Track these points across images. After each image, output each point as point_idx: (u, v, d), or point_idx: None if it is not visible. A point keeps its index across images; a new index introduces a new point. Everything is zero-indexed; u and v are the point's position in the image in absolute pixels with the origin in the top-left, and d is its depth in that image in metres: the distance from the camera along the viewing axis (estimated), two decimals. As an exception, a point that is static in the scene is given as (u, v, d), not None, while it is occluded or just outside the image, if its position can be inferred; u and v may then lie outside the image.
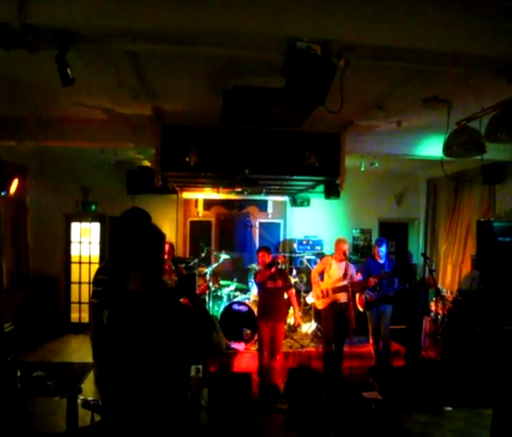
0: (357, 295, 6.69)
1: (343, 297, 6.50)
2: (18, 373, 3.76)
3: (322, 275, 6.74)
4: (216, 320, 3.76)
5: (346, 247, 6.54)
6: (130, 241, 2.31)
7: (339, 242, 6.63)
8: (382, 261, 6.80)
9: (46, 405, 5.00)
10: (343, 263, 6.53)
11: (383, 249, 6.79)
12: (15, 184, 6.36)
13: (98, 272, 3.22)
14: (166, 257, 5.68)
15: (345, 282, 6.42)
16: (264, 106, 4.56)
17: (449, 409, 5.72)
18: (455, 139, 4.37)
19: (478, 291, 6.96)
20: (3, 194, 6.28)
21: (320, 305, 6.61)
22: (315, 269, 6.89)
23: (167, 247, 6.16)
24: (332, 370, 6.44)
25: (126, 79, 4.30)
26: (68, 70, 2.96)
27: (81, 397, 4.11)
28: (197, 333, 2.26)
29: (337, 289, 6.46)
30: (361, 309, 6.79)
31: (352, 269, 6.59)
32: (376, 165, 7.76)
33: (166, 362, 2.20)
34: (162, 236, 2.37)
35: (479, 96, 4.25)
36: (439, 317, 6.83)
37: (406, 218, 10.39)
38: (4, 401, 3.74)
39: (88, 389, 4.43)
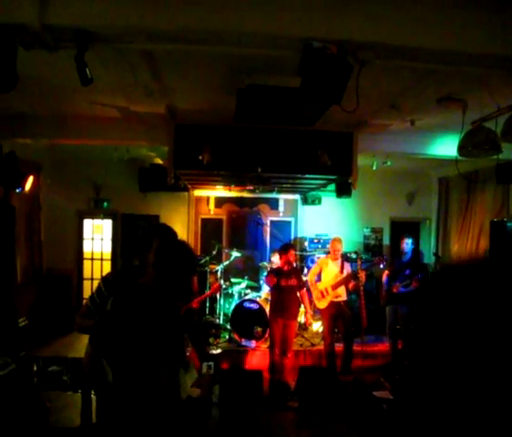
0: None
1: (342, 294, 6.69)
2: (34, 368, 3.81)
3: (319, 276, 6.88)
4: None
5: (339, 246, 6.76)
6: (170, 259, 2.49)
7: (333, 242, 6.90)
8: (404, 260, 6.91)
9: (60, 399, 5.05)
10: (339, 261, 6.78)
11: (408, 241, 6.90)
12: (30, 181, 6.41)
13: (101, 280, 3.27)
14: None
15: (344, 275, 6.65)
16: (278, 105, 4.57)
17: (461, 409, 5.69)
18: (471, 139, 4.34)
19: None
20: (18, 191, 6.34)
21: (321, 305, 6.68)
22: (311, 272, 6.95)
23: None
24: (334, 368, 6.49)
25: (141, 78, 4.33)
26: (87, 70, 2.99)
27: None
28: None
29: (337, 285, 6.61)
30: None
31: (347, 266, 6.85)
32: (389, 164, 7.74)
33: (153, 351, 2.40)
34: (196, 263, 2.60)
35: (495, 96, 4.22)
36: (451, 317, 6.80)
37: (418, 217, 10.33)
38: (21, 394, 3.80)
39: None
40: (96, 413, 3.38)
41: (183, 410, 2.73)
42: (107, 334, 2.40)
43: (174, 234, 3.20)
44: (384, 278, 7.07)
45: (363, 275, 6.57)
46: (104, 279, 3.26)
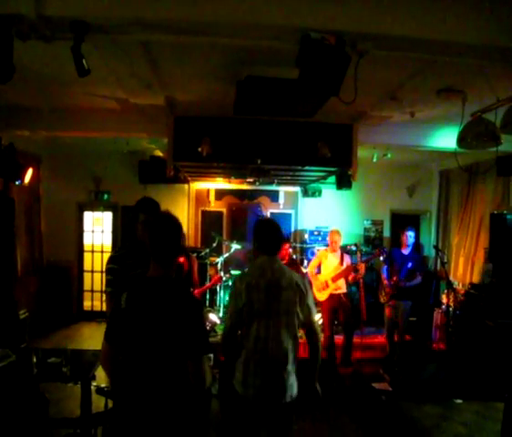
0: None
1: (342, 286, 6.69)
2: (34, 359, 3.82)
3: (319, 268, 6.87)
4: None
5: (337, 238, 6.74)
6: (155, 233, 2.48)
7: (331, 234, 6.91)
8: (406, 252, 6.83)
9: (60, 391, 5.08)
10: (338, 252, 6.78)
11: (411, 234, 6.83)
12: (29, 173, 6.40)
13: (109, 261, 3.28)
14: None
15: (344, 268, 6.63)
16: (278, 96, 4.54)
17: (459, 401, 5.71)
18: (470, 131, 4.31)
19: (491, 284, 6.91)
20: (17, 183, 6.33)
21: (321, 297, 6.68)
22: (311, 264, 6.95)
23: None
24: (334, 360, 6.50)
25: (139, 69, 4.30)
26: (84, 61, 2.97)
27: (94, 383, 4.17)
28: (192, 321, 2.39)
29: (337, 277, 6.60)
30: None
31: (347, 258, 6.83)
32: (389, 156, 7.72)
33: (174, 344, 2.36)
34: (180, 227, 2.54)
35: (495, 88, 4.19)
36: (450, 309, 6.80)
37: (418, 209, 10.33)
38: (20, 385, 3.81)
39: (102, 376, 4.50)
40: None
41: (206, 399, 2.75)
42: (125, 332, 2.39)
43: (157, 205, 3.34)
44: (383, 270, 7.02)
45: (362, 267, 6.58)
46: (110, 258, 3.29)
